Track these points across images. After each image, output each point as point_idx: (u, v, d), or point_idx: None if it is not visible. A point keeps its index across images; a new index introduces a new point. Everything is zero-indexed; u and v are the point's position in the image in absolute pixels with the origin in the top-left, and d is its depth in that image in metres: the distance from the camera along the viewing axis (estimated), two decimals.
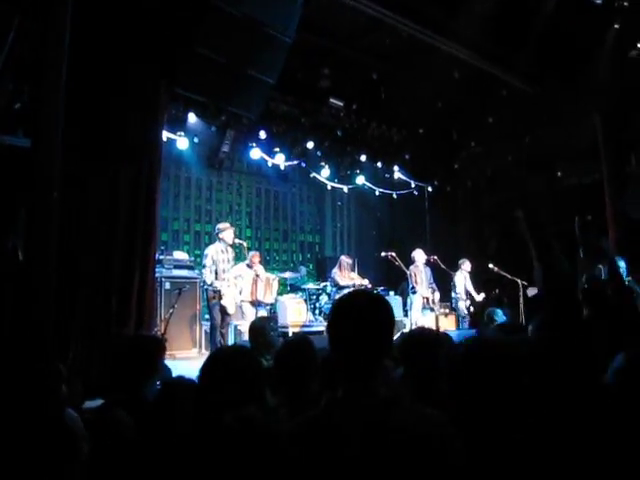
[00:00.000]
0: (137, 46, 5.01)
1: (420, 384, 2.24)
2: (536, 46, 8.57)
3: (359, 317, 1.56)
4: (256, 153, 10.54)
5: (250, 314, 8.56)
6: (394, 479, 1.30)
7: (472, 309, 10.19)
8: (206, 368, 2.21)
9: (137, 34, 5.00)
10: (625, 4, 8.14)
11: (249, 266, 8.77)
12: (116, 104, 4.79)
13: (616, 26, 8.56)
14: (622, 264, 6.79)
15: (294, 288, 10.80)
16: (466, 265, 10.38)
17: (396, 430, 1.36)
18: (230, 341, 8.13)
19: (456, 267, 10.43)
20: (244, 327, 8.35)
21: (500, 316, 6.40)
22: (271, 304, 9.20)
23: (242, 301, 8.58)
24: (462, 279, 10.30)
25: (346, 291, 9.11)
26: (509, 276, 10.01)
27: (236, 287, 8.35)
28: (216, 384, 2.13)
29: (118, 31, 4.85)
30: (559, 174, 11.42)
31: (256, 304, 8.67)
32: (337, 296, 9.13)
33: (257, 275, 8.72)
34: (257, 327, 4.54)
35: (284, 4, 6.30)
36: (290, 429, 1.51)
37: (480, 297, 10.31)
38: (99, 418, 2.35)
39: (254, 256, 8.95)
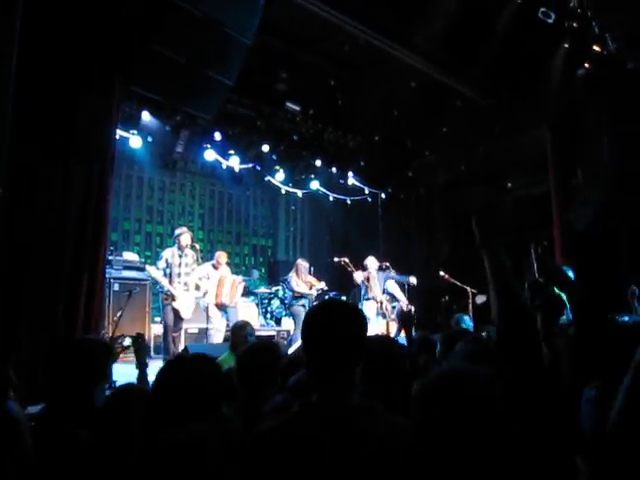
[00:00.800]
0: (92, 41, 4.88)
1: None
2: (491, 59, 8.75)
3: (334, 333, 1.58)
4: (210, 154, 10.40)
5: (216, 317, 8.41)
6: None
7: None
8: (162, 377, 2.14)
9: (93, 29, 4.86)
10: (574, 25, 8.41)
11: (215, 267, 8.60)
12: (69, 98, 4.64)
13: (565, 45, 8.83)
14: (570, 274, 6.96)
15: (246, 292, 10.69)
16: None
17: (367, 438, 1.35)
18: (181, 345, 7.99)
19: (409, 273, 10.52)
20: (213, 330, 8.25)
21: (467, 323, 6.42)
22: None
23: (208, 303, 8.42)
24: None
25: (302, 296, 9.12)
26: (459, 283, 10.16)
27: (199, 290, 8.20)
28: (171, 395, 2.06)
29: (73, 25, 4.71)
30: (509, 185, 11.68)
31: (220, 307, 8.50)
32: (294, 302, 9.10)
33: (223, 277, 8.50)
34: (239, 327, 4.61)
35: (245, 5, 6.25)
36: (254, 439, 1.47)
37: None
38: (42, 425, 2.22)
39: (220, 256, 8.77)
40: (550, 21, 8.07)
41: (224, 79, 6.30)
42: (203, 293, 8.33)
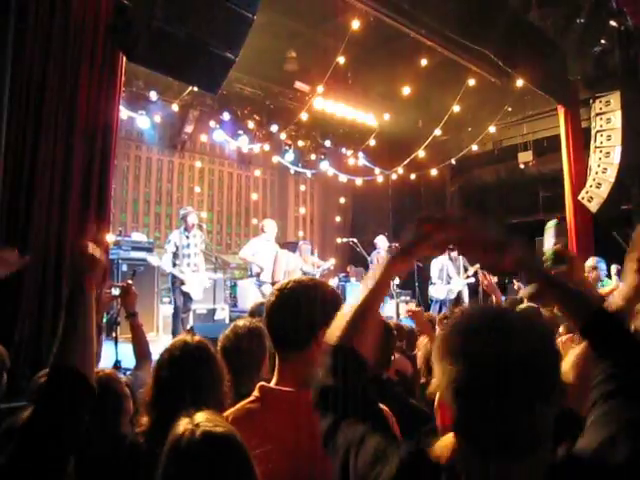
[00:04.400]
0: (93, 16, 4.80)
1: None
2: (503, 37, 8.57)
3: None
4: (219, 135, 10.34)
5: None
6: None
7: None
8: (159, 365, 2.09)
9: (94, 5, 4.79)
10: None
11: (267, 240, 8.48)
12: (70, 73, 4.58)
13: (581, 20, 8.64)
14: (602, 265, 6.86)
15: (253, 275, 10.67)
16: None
17: None
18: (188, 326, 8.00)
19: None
20: None
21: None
22: None
23: (262, 283, 8.25)
24: (438, 265, 10.34)
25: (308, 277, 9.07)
26: (470, 267, 10.08)
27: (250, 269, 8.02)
28: (168, 386, 2.01)
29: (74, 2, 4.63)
30: (521, 165, 11.54)
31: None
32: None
33: (279, 253, 8.23)
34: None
35: None
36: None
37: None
38: None
39: (270, 226, 8.66)
40: None
41: (227, 54, 6.19)
42: (256, 272, 8.20)
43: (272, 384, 1.70)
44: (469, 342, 1.06)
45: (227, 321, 8.91)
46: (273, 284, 8.45)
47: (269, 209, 12.51)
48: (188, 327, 7.82)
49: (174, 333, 7.51)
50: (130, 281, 3.55)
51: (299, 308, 1.67)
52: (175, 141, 10.85)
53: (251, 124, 10.59)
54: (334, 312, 1.48)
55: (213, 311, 8.72)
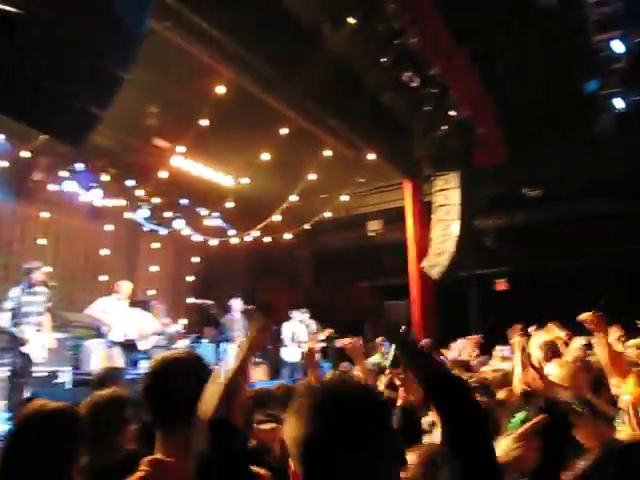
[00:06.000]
0: None
1: None
2: (358, 115, 9.22)
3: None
4: (70, 186, 9.84)
5: (120, 362, 7.77)
6: None
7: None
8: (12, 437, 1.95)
9: None
10: (434, 90, 9.15)
11: (118, 299, 8.15)
12: None
13: (426, 107, 9.57)
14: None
15: (102, 333, 10.06)
16: (296, 315, 10.71)
17: None
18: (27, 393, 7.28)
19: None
20: None
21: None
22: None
23: (113, 344, 7.86)
24: (291, 328, 10.55)
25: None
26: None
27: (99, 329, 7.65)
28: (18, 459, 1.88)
29: None
30: (370, 233, 12.24)
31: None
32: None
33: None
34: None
35: (123, 38, 6.07)
36: None
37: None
38: None
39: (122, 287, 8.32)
40: (414, 85, 8.72)
41: (94, 110, 6.03)
42: (106, 329, 7.79)
43: (158, 456, 1.72)
44: (321, 403, 1.15)
45: (69, 385, 8.26)
46: (125, 344, 8.07)
47: (119, 265, 11.96)
48: (28, 393, 7.14)
49: (10, 399, 6.82)
50: None
51: (179, 383, 1.73)
52: (21, 189, 10.11)
53: (106, 177, 10.20)
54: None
55: (54, 374, 8.06)
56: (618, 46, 9.36)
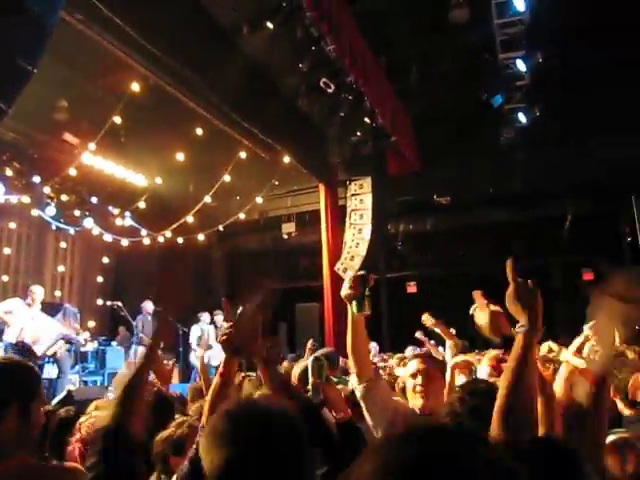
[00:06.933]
0: None
1: None
2: (274, 118, 9.30)
3: None
4: None
5: None
6: None
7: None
8: None
9: None
10: (350, 97, 9.37)
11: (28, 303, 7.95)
12: None
13: (341, 114, 9.79)
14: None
15: None
16: (205, 317, 10.57)
17: None
18: None
19: (191, 320, 10.53)
20: None
21: None
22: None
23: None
24: (198, 331, 10.43)
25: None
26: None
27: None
28: None
29: None
30: (284, 235, 12.35)
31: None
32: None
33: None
34: None
35: (31, 33, 5.85)
36: None
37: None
38: None
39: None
40: (330, 91, 8.90)
41: (0, 104, 5.78)
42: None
43: None
44: (237, 429, 1.20)
45: None
46: (20, 348, 7.74)
47: (23, 265, 11.42)
48: None
49: None
50: None
51: None
52: None
53: (9, 172, 9.73)
54: (28, 389, 1.72)
55: None
56: (521, 65, 9.98)
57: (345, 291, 2.40)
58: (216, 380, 1.89)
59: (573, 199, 11.65)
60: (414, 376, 2.68)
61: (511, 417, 1.40)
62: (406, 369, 2.95)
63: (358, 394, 2.46)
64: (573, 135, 10.88)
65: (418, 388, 2.63)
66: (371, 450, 0.72)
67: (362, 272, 2.48)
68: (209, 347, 10.37)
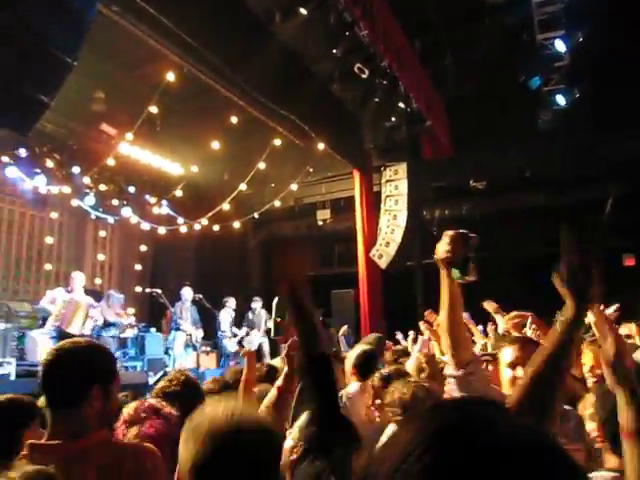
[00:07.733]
0: None
1: None
2: (309, 105, 9.29)
3: None
4: (13, 172, 9.54)
5: None
6: None
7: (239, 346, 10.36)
8: None
9: None
10: (384, 82, 9.30)
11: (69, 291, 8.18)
12: None
13: (376, 99, 9.71)
14: None
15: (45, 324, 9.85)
16: (231, 303, 10.60)
17: None
18: None
19: (221, 305, 10.57)
20: None
21: None
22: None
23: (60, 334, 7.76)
24: (228, 317, 10.47)
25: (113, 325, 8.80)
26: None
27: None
28: None
29: None
30: (319, 222, 12.35)
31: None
32: (103, 331, 8.68)
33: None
34: None
35: (70, 24, 5.94)
36: None
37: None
38: None
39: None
40: (364, 76, 8.84)
41: (42, 97, 5.89)
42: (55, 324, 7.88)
43: (43, 440, 1.79)
44: (213, 426, 1.23)
45: (13, 377, 8.06)
46: (67, 334, 7.94)
47: (65, 254, 11.69)
48: None
49: None
50: None
51: (72, 369, 1.79)
52: None
53: (50, 163, 9.95)
54: (108, 372, 1.82)
55: None
56: (560, 45, 9.74)
57: (443, 254, 1.85)
58: (273, 392, 1.94)
59: (615, 181, 11.32)
60: (512, 366, 2.32)
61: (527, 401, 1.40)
62: (501, 356, 2.51)
63: (453, 380, 1.93)
64: (611, 117, 10.57)
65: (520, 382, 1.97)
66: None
67: (463, 230, 1.95)
68: (247, 333, 10.52)
